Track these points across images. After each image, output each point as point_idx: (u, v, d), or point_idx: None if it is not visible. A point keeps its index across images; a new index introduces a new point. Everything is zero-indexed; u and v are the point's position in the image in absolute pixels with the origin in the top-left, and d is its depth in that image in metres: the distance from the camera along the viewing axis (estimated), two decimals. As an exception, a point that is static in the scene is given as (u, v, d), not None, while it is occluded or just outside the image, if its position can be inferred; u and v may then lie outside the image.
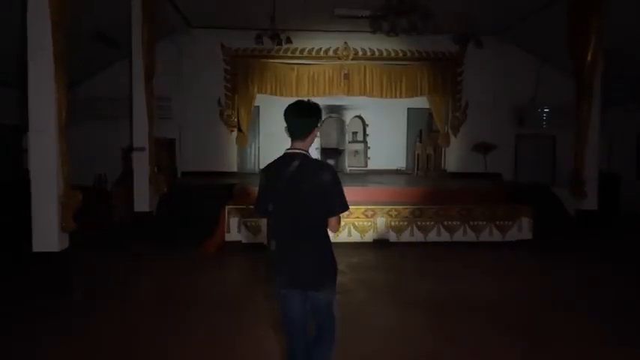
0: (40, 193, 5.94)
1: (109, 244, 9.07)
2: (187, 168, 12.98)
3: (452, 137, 13.55)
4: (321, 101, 15.84)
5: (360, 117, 15.49)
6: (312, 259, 2.96)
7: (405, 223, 8.97)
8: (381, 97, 13.50)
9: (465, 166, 13.52)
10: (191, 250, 8.43)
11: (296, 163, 2.97)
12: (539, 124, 13.41)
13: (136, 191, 9.39)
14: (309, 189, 2.92)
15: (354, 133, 15.70)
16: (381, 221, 8.94)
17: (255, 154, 15.25)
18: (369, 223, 8.93)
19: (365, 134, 15.53)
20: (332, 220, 3.01)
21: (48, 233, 5.98)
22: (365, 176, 14.10)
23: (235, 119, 13.07)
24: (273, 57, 12.94)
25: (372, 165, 15.58)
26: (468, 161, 13.49)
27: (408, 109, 15.44)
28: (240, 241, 8.76)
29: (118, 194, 11.07)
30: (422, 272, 7.42)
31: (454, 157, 13.66)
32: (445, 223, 9.01)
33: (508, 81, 13.30)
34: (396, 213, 8.96)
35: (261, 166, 14.19)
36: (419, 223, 8.98)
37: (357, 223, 8.90)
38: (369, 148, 15.60)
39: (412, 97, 13.55)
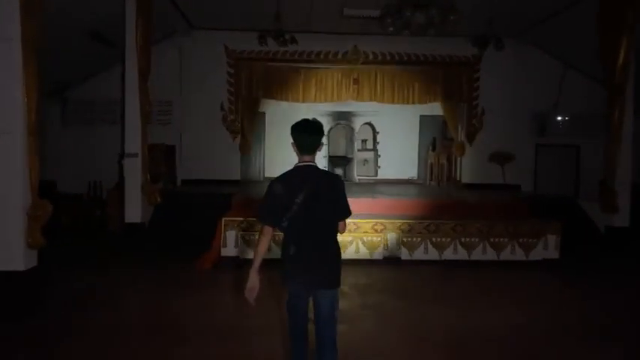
0: (4, 204, 5.15)
1: (96, 257, 8.27)
2: (188, 176, 12.19)
3: (467, 146, 12.63)
4: (329, 107, 15.11)
5: (370, 124, 14.67)
6: (331, 259, 3.35)
7: (419, 240, 8.07)
8: (393, 103, 12.64)
9: (481, 176, 12.58)
10: (183, 266, 7.61)
11: (312, 174, 3.30)
12: (562, 133, 12.47)
13: (127, 201, 8.61)
14: (326, 197, 3.27)
15: (364, 141, 14.87)
16: (392, 237, 8.06)
17: (260, 163, 14.48)
18: (379, 239, 8.05)
19: (375, 142, 14.68)
20: (341, 224, 3.45)
21: (12, 250, 5.18)
22: (374, 186, 13.23)
23: (239, 125, 12.28)
24: (279, 60, 12.14)
25: (382, 174, 14.76)
26: (484, 172, 12.56)
27: (421, 116, 14.65)
28: (237, 257, 7.92)
29: (112, 203, 10.32)
30: (436, 297, 6.52)
31: (469, 167, 12.73)
32: (463, 239, 8.10)
33: (528, 87, 12.37)
34: (408, 228, 8.07)
35: (266, 175, 13.44)
36: (434, 239, 8.08)
37: (366, 238, 8.03)
38: (379, 156, 14.76)
39: (425, 103, 12.69)
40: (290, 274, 3.29)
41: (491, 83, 12.44)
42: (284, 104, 13.83)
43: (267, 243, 3.26)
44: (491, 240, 8.12)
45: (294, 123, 3.44)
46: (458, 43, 12.12)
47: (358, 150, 14.91)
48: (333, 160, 15.10)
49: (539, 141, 12.68)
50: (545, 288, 7.21)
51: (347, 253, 7.92)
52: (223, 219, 7.94)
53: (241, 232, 7.92)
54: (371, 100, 12.58)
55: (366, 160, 14.68)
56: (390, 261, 8.03)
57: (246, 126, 12.32)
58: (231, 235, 7.91)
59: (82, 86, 12.15)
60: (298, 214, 3.17)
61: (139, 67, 8.44)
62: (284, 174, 3.36)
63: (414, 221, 8.12)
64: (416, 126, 14.69)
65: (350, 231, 7.95)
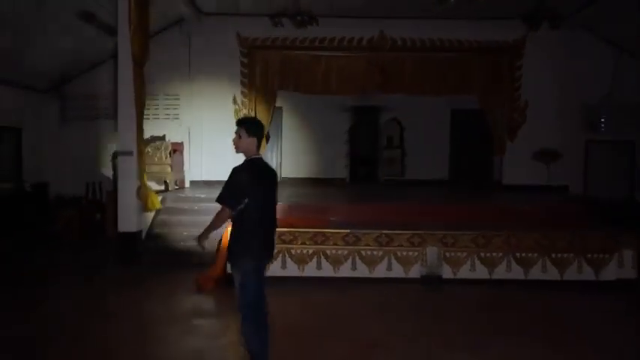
0: None
1: (81, 270, 6.94)
2: (197, 176, 10.82)
3: (508, 143, 10.99)
4: (351, 101, 13.56)
5: (396, 119, 13.09)
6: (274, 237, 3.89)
7: (465, 255, 6.52)
8: (423, 95, 11.07)
9: (523, 177, 10.93)
10: (181, 286, 6.22)
11: (265, 166, 3.77)
12: (615, 128, 10.75)
13: (121, 206, 7.24)
14: (273, 185, 3.78)
15: (390, 138, 13.30)
16: (432, 251, 6.52)
17: (277, 160, 13.04)
18: (416, 254, 6.52)
19: (402, 139, 13.10)
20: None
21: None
22: (402, 188, 11.68)
23: (252, 120, 10.83)
24: (297, 47, 10.68)
25: (410, 174, 13.16)
26: (527, 172, 10.90)
27: (452, 110, 13.00)
28: (246, 275, 6.47)
29: (110, 207, 8.98)
30: (484, 330, 4.97)
31: (510, 166, 11.08)
32: (518, 255, 6.52)
33: (577, 76, 10.68)
34: (452, 241, 6.52)
35: (284, 175, 12.05)
36: (482, 254, 6.52)
37: (401, 253, 6.51)
38: (405, 155, 13.18)
39: (460, 94, 11.07)
40: (253, 250, 3.57)
41: (536, 72, 10.78)
42: (302, 98, 12.36)
43: (224, 222, 3.68)
44: (553, 256, 6.53)
45: (246, 119, 4.09)
46: (497, 26, 10.56)
47: (383, 148, 13.34)
48: (355, 158, 13.57)
49: (589, 136, 10.97)
50: (626, 318, 5.61)
51: (377, 271, 6.45)
52: (229, 228, 6.48)
53: (251, 246, 6.48)
54: (399, 91, 11.02)
55: (392, 159, 13.12)
56: (429, 280, 6.50)
57: (262, 119, 10.84)
58: (238, 249, 6.47)
59: (83, 79, 10.87)
60: (259, 198, 3.57)
61: (132, 52, 7.05)
62: (245, 166, 3.62)
63: (459, 233, 6.56)
64: (446, 122, 13.06)
65: (381, 244, 6.46)
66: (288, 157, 13.02)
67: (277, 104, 12.38)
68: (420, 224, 6.86)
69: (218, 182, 10.17)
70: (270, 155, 12.91)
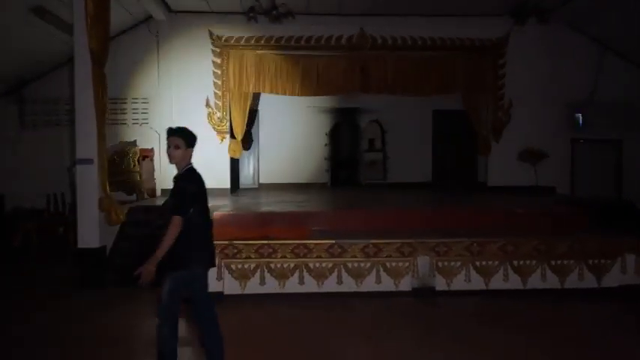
0: None
1: (38, 291, 6.16)
2: (169, 185, 10.04)
3: (493, 143, 10.55)
4: (330, 103, 12.99)
5: (377, 121, 12.57)
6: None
7: (459, 264, 5.97)
8: (406, 95, 10.55)
9: (509, 178, 10.48)
10: (149, 308, 5.51)
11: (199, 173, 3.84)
12: (600, 127, 10.42)
13: (81, 220, 6.48)
14: (206, 192, 3.83)
15: (371, 141, 12.77)
16: (423, 261, 5.96)
17: (254, 166, 12.38)
18: (407, 264, 5.95)
19: (384, 142, 12.59)
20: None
21: None
22: (385, 191, 11.14)
23: (227, 124, 10.17)
24: (273, 47, 10.05)
25: (392, 177, 12.64)
26: (513, 172, 10.46)
27: (434, 111, 12.54)
28: (221, 292, 5.81)
29: (73, 219, 8.19)
30: (483, 346, 4.44)
31: (496, 167, 10.63)
32: (515, 263, 6.01)
33: (562, 74, 10.31)
34: (445, 249, 5.96)
35: (262, 181, 11.37)
36: (478, 263, 5.99)
37: (390, 264, 5.93)
38: (387, 158, 12.66)
39: (444, 94, 10.58)
40: (201, 258, 3.65)
41: (520, 70, 10.37)
42: (279, 100, 11.75)
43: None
44: (553, 263, 6.03)
45: (184, 130, 3.91)
46: (480, 23, 10.13)
47: (364, 151, 12.80)
48: (336, 162, 13.00)
49: (574, 135, 10.60)
50: (629, 327, 5.13)
51: (365, 284, 5.86)
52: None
53: (225, 260, 5.81)
54: (380, 92, 10.47)
55: (373, 162, 12.58)
56: (421, 293, 5.93)
57: (236, 125, 10.20)
58: (212, 265, 5.80)
59: (43, 82, 10.04)
60: (204, 206, 3.76)
61: (90, 49, 6.32)
62: (190, 175, 3.73)
63: (452, 240, 6.01)
64: (429, 122, 12.59)
65: (368, 255, 5.86)
66: (266, 162, 12.36)
67: (253, 107, 11.79)
68: (410, 232, 6.29)
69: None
70: (247, 161, 12.26)
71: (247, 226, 6.20)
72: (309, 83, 10.20)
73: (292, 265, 5.86)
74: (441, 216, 6.80)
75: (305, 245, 5.87)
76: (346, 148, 13.11)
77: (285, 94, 10.30)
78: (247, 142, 12.05)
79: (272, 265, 5.85)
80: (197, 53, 10.05)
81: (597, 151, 10.62)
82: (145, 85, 10.06)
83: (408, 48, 10.26)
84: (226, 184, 10.30)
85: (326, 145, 12.64)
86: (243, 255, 5.81)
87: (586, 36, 10.45)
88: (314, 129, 12.58)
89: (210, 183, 10.04)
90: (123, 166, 8.97)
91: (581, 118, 10.22)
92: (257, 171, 12.36)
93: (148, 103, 10.08)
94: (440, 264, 5.97)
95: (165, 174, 9.96)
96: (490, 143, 10.53)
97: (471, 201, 8.96)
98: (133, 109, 10.07)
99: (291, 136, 12.48)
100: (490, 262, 5.99)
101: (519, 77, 10.37)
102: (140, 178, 9.28)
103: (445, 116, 12.38)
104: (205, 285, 3.75)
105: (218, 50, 10.06)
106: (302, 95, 10.40)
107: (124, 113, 10.06)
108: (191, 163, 3.77)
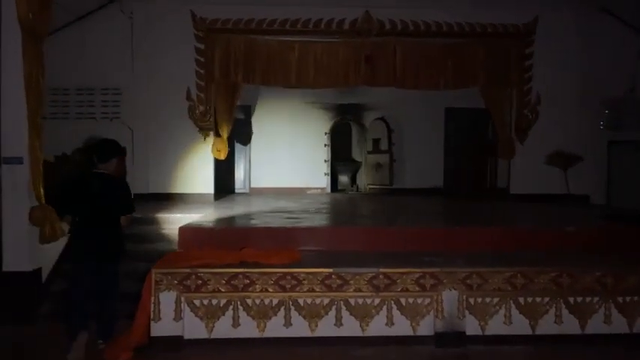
0: None
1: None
2: (143, 189, 8.50)
3: (517, 145, 9.00)
4: (330, 98, 11.31)
5: (383, 119, 11.04)
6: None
7: (497, 301, 4.42)
8: (417, 89, 9.01)
9: (535, 185, 8.94)
10: (90, 355, 3.99)
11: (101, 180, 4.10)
12: (641, 126, 8.86)
13: (6, 235, 4.95)
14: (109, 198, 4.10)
15: (376, 141, 11.24)
16: (450, 297, 4.40)
17: (245, 168, 10.85)
18: (428, 301, 4.39)
19: (390, 142, 11.04)
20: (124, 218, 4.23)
21: None
22: (391, 199, 9.60)
23: (211, 119, 8.64)
24: (265, 31, 8.52)
25: (400, 182, 11.10)
26: (539, 178, 8.91)
27: (447, 109, 10.99)
28: (179, 337, 4.25)
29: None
30: None
31: (520, 172, 9.08)
32: (572, 300, 4.45)
33: (598, 66, 8.77)
34: (479, 282, 4.40)
35: (253, 185, 9.71)
36: (522, 300, 4.43)
37: (406, 300, 4.37)
38: (394, 160, 11.12)
39: (460, 88, 9.03)
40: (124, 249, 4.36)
41: (550, 62, 8.83)
42: (274, 94, 10.27)
43: None
44: (620, 300, 4.47)
45: (116, 143, 4.30)
46: (505, 6, 8.62)
47: (369, 152, 11.28)
48: (336, 165, 11.48)
49: (612, 137, 9.04)
50: None
51: (373, 327, 4.31)
52: (154, 271, 4.26)
53: (185, 295, 4.26)
54: (387, 85, 8.93)
55: (379, 165, 11.05)
56: (446, 339, 4.38)
57: (222, 121, 8.67)
58: (167, 300, 4.24)
59: None
60: (90, 207, 4.13)
61: (19, 16, 4.78)
62: (78, 179, 4.36)
63: (488, 270, 4.44)
64: (440, 121, 11.05)
65: (377, 289, 4.32)
66: (259, 164, 10.85)
67: (246, 102, 10.32)
68: (431, 257, 4.75)
69: (166, 196, 7.97)
70: (237, 163, 10.72)
71: (217, 248, 4.65)
72: (306, 73, 8.66)
73: (276, 301, 4.31)
74: (469, 236, 5.23)
75: (293, 275, 4.32)
76: (348, 150, 11.61)
77: (278, 85, 8.78)
78: (244, 135, 10.55)
79: (249, 302, 4.30)
80: (177, 38, 8.54)
81: (638, 155, 9.03)
82: (117, 74, 8.51)
83: (421, 34, 8.72)
84: (210, 188, 8.77)
85: (325, 145, 11.12)
86: (211, 287, 4.27)
87: (626, 23, 8.88)
88: (312, 128, 11.08)
89: (191, 188, 8.51)
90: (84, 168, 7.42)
91: (625, 119, 8.64)
92: (248, 174, 10.84)
93: (119, 94, 8.53)
94: (472, 301, 4.41)
95: (141, 176, 8.42)
96: (514, 145, 8.98)
97: (497, 213, 7.40)
98: (103, 101, 8.54)
99: (286, 136, 10.99)
100: (538, 299, 4.43)
101: (549, 70, 8.82)
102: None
103: (460, 115, 10.84)
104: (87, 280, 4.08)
105: (201, 34, 8.53)
106: (298, 87, 8.87)
107: (92, 106, 8.53)
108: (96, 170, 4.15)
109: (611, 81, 8.86)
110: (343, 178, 11.66)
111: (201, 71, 8.55)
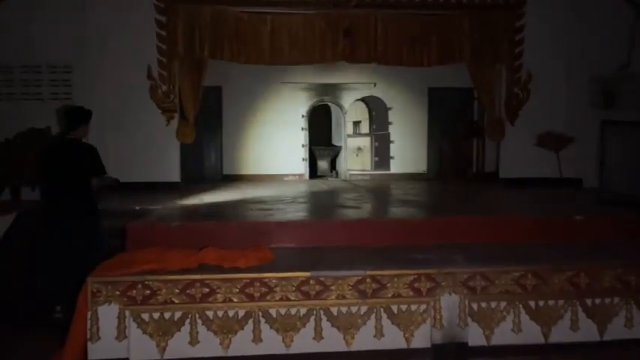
0: None
1: None
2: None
3: (507, 126, 8.32)
4: (306, 77, 10.26)
5: (364, 100, 10.22)
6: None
7: (503, 306, 3.70)
8: (400, 64, 8.21)
9: (525, 168, 8.29)
10: None
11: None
12: (636, 105, 8.26)
13: None
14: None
15: (357, 124, 10.44)
16: (449, 302, 3.66)
17: (216, 155, 9.91)
18: (424, 308, 3.65)
19: (372, 125, 10.25)
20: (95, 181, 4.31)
21: None
22: (373, 185, 8.85)
23: (176, 100, 7.71)
24: (235, 1, 7.60)
25: (380, 167, 10.35)
26: (530, 161, 8.26)
27: (430, 89, 10.24)
28: (125, 360, 3.44)
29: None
30: None
31: (510, 154, 8.41)
32: (589, 302, 3.77)
33: (590, 41, 8.12)
34: (483, 283, 3.67)
35: (226, 172, 8.75)
36: (533, 304, 3.73)
37: (397, 307, 3.62)
38: (375, 144, 10.34)
39: (446, 64, 8.26)
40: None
41: (541, 36, 8.13)
42: (246, 73, 9.33)
43: None
44: (643, 300, 3.82)
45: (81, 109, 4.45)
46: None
47: (348, 136, 10.48)
48: (314, 150, 10.67)
49: (605, 116, 8.42)
50: None
51: (360, 341, 3.55)
52: (90, 280, 3.40)
53: (130, 308, 3.43)
54: (368, 60, 8.10)
55: (359, 149, 10.27)
56: (446, 351, 3.66)
57: (187, 102, 7.74)
58: (108, 315, 3.40)
59: None
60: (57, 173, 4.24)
61: None
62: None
63: (493, 269, 3.72)
64: (424, 102, 10.30)
65: (364, 295, 3.56)
66: (231, 149, 9.93)
67: (216, 83, 9.37)
68: (424, 254, 4.01)
69: (126, 185, 6.98)
70: (207, 149, 9.79)
71: (171, 248, 3.81)
72: (280, 49, 7.77)
73: (242, 312, 3.52)
74: (465, 226, 4.49)
75: (263, 281, 3.52)
76: (326, 133, 10.80)
77: (249, 62, 7.86)
78: (214, 118, 9.59)
79: (209, 314, 3.49)
80: (136, 8, 7.54)
81: (633, 135, 8.45)
82: (67, 49, 7.43)
83: (403, 6, 7.90)
84: (176, 176, 7.87)
85: (303, 129, 10.26)
86: (162, 298, 3.44)
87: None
88: (289, 110, 10.17)
89: (155, 176, 7.58)
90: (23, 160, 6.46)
91: (619, 97, 8.03)
92: (219, 161, 9.91)
93: (70, 72, 7.48)
94: (475, 306, 3.69)
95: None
96: (503, 126, 8.30)
97: (489, 200, 6.72)
98: (51, 80, 7.48)
99: (261, 119, 10.08)
100: (552, 303, 3.73)
101: (540, 45, 8.13)
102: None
103: (444, 95, 10.10)
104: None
105: (162, 5, 7.53)
106: (271, 63, 7.97)
107: (38, 85, 7.48)
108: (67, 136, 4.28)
109: (603, 57, 8.22)
110: (322, 164, 10.85)
111: (163, 46, 7.57)
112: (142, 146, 7.66)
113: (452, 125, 9.91)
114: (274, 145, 10.06)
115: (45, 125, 6.80)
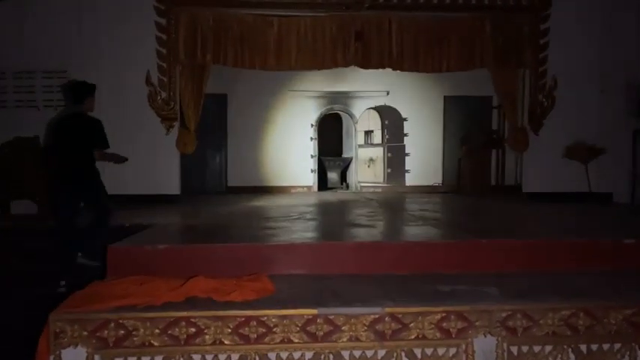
0: None
1: None
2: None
3: (531, 136, 7.68)
4: (316, 85, 9.36)
5: (376, 109, 9.64)
6: None
7: (549, 350, 3.04)
8: (416, 70, 7.66)
9: (551, 181, 7.65)
10: None
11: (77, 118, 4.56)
12: (672, 114, 7.59)
13: None
14: None
15: (368, 134, 9.87)
16: (484, 346, 3.02)
17: (220, 166, 9.40)
18: (454, 352, 3.01)
19: (384, 135, 9.65)
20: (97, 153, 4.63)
21: None
22: (386, 199, 8.24)
23: (176, 107, 7.19)
24: (239, 3, 7.10)
25: (394, 179, 9.75)
26: (557, 174, 7.62)
27: (446, 97, 9.69)
28: (95, 415, 2.83)
29: None
30: None
31: (534, 167, 7.76)
32: (652, 346, 3.11)
33: (621, 44, 7.51)
34: (524, 323, 3.02)
35: (231, 184, 8.24)
36: (584, 348, 3.07)
37: (421, 351, 2.98)
38: (388, 155, 9.74)
39: (466, 69, 7.69)
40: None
41: (568, 39, 7.54)
42: (252, 80, 8.86)
43: None
44: None
45: (85, 83, 4.73)
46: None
47: (360, 146, 9.91)
48: (324, 161, 10.11)
49: (638, 125, 7.75)
50: None
51: (375, 393, 2.88)
52: (52, 319, 2.81)
53: (103, 352, 2.83)
54: (382, 66, 7.55)
55: (371, 160, 9.67)
56: (480, 406, 3.01)
57: (188, 110, 7.22)
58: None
59: None
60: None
61: None
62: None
63: (536, 306, 3.07)
64: (439, 111, 9.72)
65: (382, 336, 2.93)
66: (236, 160, 9.42)
67: (221, 90, 8.92)
68: (451, 285, 3.38)
69: (124, 198, 6.36)
70: (212, 159, 9.28)
71: (155, 277, 3.23)
72: (287, 54, 7.27)
73: (236, 357, 2.91)
74: (498, 251, 3.85)
75: (260, 320, 2.91)
76: (336, 144, 10.23)
77: (254, 67, 7.33)
78: (218, 128, 9.10)
79: (196, 358, 2.89)
80: (135, 11, 7.09)
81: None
82: (63, 53, 7.02)
83: (420, 7, 7.37)
84: (175, 189, 7.32)
85: (312, 139, 9.71)
86: (139, 340, 2.85)
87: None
88: (297, 119, 9.66)
89: (152, 188, 6.99)
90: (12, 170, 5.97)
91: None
92: (224, 172, 9.39)
93: (66, 78, 7.03)
94: (514, 350, 3.04)
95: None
96: (527, 136, 7.66)
97: (517, 218, 6.07)
98: (45, 86, 7.04)
99: (268, 129, 9.58)
100: (607, 346, 3.08)
101: (567, 49, 7.53)
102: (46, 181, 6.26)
103: (460, 103, 9.56)
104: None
105: (163, 7, 7.07)
106: (277, 69, 7.45)
107: (32, 92, 7.02)
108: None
109: (637, 61, 7.58)
110: (332, 175, 10.29)
111: (163, 51, 7.10)
112: (140, 156, 7.06)
113: (469, 135, 9.27)
114: (282, 156, 9.54)
115: (34, 134, 6.28)
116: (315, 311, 2.95)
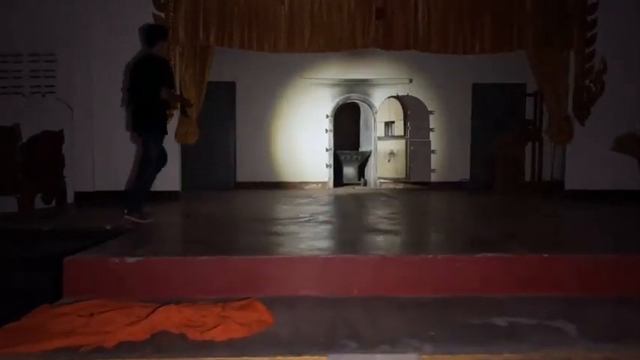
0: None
1: None
2: (86, 186, 6.31)
3: (576, 125, 6.69)
4: (334, 72, 8.50)
5: (397, 98, 8.71)
6: None
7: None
8: (445, 52, 6.68)
9: (599, 178, 6.65)
10: None
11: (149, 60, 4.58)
12: None
13: None
14: None
15: (389, 125, 8.94)
16: (561, 409, 2.15)
17: (228, 160, 8.61)
18: (517, 416, 2.14)
19: (406, 126, 8.72)
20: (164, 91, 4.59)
21: None
22: (410, 197, 7.34)
23: (175, 93, 6.38)
24: (245, -23, 6.26)
25: (417, 175, 8.81)
26: (605, 169, 6.61)
27: (474, 85, 8.73)
28: None
29: None
30: None
31: (579, 161, 6.75)
32: None
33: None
34: (620, 380, 2.15)
35: (239, 180, 7.47)
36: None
37: (473, 415, 2.12)
38: (411, 148, 8.80)
39: (502, 51, 6.70)
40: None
41: (619, 16, 6.50)
42: (263, 70, 8.07)
43: None
44: None
45: (156, 27, 5.02)
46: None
47: (379, 138, 9.01)
48: (340, 154, 9.25)
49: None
50: None
51: None
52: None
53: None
54: (406, 47, 6.60)
55: (392, 154, 8.75)
56: None
57: (190, 96, 6.40)
58: None
59: None
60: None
61: None
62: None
63: (633, 353, 2.18)
64: (467, 100, 8.76)
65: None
66: (246, 154, 8.62)
67: (228, 78, 8.15)
68: (504, 316, 2.49)
69: (119, 195, 5.57)
70: (219, 152, 8.49)
71: (116, 302, 2.42)
72: (300, 34, 6.39)
73: (215, 419, 2.07)
74: (563, 267, 2.94)
75: (249, 369, 2.07)
76: (354, 136, 9.35)
77: (262, 49, 6.47)
78: (226, 118, 8.32)
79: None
80: (130, -12, 6.29)
81: None
82: (51, 34, 6.26)
83: (450, -20, 6.41)
84: (175, 185, 6.55)
85: (327, 131, 8.85)
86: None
87: None
88: (311, 109, 8.80)
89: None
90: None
91: None
92: (232, 166, 8.59)
93: (54, 62, 6.29)
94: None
95: (84, 169, 6.24)
96: (572, 126, 6.66)
97: (568, 222, 5.12)
98: (32, 70, 6.29)
99: (279, 119, 8.74)
100: None
101: (618, 26, 6.50)
102: (31, 177, 5.54)
103: (490, 91, 8.58)
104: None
105: (162, -17, 6.26)
106: (289, 51, 6.55)
107: (18, 77, 6.29)
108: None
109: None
110: (349, 171, 9.42)
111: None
112: (134, 148, 6.36)
113: (500, 126, 8.28)
114: (294, 149, 8.71)
115: (14, 122, 5.53)
116: (325, 358, 2.11)
